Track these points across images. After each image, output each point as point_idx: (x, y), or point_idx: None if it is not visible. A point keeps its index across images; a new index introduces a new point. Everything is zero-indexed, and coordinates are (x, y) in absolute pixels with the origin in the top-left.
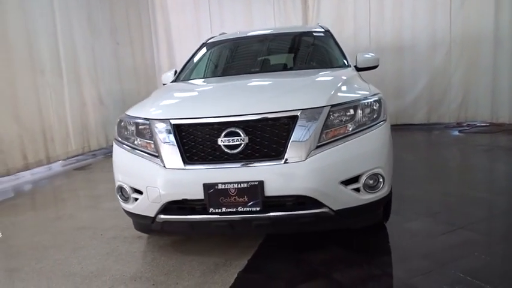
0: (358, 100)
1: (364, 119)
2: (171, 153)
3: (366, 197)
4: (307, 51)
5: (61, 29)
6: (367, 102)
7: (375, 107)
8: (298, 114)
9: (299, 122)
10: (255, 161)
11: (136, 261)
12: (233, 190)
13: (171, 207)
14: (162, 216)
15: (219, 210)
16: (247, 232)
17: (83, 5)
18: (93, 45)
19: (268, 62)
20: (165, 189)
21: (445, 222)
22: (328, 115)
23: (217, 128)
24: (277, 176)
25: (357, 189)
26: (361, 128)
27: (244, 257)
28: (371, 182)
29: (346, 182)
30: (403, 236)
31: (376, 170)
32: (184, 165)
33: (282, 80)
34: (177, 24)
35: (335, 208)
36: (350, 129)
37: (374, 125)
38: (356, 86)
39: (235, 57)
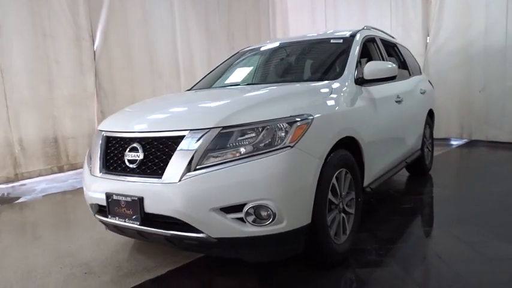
0: (260, 122)
1: (261, 144)
2: (95, 161)
3: (251, 230)
4: (309, 62)
5: (180, 36)
6: (271, 126)
7: (280, 132)
8: (186, 134)
9: (183, 143)
10: (141, 177)
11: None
12: (123, 202)
13: (101, 209)
14: (98, 216)
15: (114, 219)
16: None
17: (201, 13)
18: (209, 49)
19: (258, 74)
20: (86, 193)
21: None
22: (217, 137)
23: (125, 142)
24: (154, 195)
25: (242, 220)
26: (255, 153)
27: (170, 267)
28: (258, 213)
29: (228, 210)
30: None
31: (263, 202)
32: (100, 174)
33: (220, 96)
34: (295, 25)
35: (214, 235)
36: (241, 153)
37: (272, 151)
38: (293, 102)
39: (236, 69)
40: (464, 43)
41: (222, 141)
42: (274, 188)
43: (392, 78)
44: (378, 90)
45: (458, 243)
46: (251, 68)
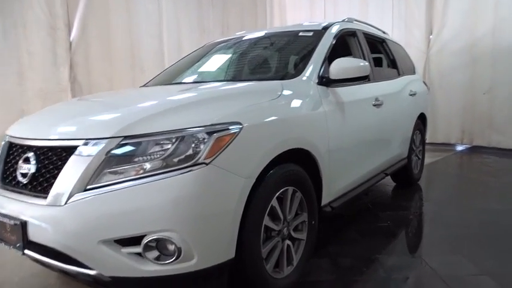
0: (171, 132)
1: (171, 160)
2: None
3: (152, 268)
4: (269, 57)
5: (167, 28)
6: (184, 137)
7: (196, 144)
8: (80, 144)
9: (74, 155)
10: (28, 196)
11: None
12: (7, 225)
13: None
14: None
15: (1, 243)
16: None
17: (193, 5)
18: (201, 44)
19: (212, 71)
20: None
21: None
22: (116, 149)
23: (22, 150)
24: (38, 219)
25: (140, 255)
26: (162, 171)
27: None
28: (162, 248)
29: (123, 242)
30: None
31: (164, 234)
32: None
33: (145, 96)
34: (293, 21)
35: (107, 273)
36: (145, 170)
37: (181, 169)
38: (221, 107)
39: (197, 63)
40: (469, 42)
41: (122, 155)
42: (179, 216)
43: (364, 78)
44: (349, 92)
45: (434, 280)
46: (209, 63)
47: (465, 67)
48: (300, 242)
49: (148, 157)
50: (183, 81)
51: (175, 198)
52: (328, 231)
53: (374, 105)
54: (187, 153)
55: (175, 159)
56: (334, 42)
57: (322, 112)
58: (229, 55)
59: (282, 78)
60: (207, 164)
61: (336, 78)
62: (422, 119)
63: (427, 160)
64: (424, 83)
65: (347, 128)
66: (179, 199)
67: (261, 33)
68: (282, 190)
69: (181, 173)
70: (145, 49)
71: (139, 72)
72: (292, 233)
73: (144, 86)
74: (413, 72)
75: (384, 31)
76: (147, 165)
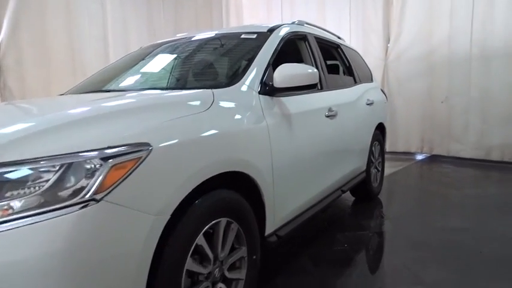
0: (49, 158)
1: (51, 195)
2: None
3: None
4: (204, 62)
5: (113, 30)
6: (68, 165)
7: (84, 175)
8: None
9: None
10: None
11: None
12: None
13: None
14: None
15: None
16: None
17: (141, 5)
18: None
19: (138, 77)
20: None
21: None
22: None
23: None
24: None
25: None
26: (38, 211)
27: None
28: None
29: None
30: None
31: None
32: None
33: (39, 109)
34: (250, 23)
35: None
36: (13, 210)
37: (64, 207)
38: (124, 125)
39: (124, 69)
40: (426, 49)
41: None
42: (58, 275)
43: (313, 86)
44: (298, 103)
45: None
46: (138, 68)
47: (423, 75)
48: (237, 283)
49: (20, 192)
50: (105, 88)
51: (53, 250)
52: (277, 259)
53: (327, 116)
54: (73, 187)
55: (57, 195)
56: (281, 46)
57: (264, 126)
58: (163, 60)
59: (216, 87)
60: (97, 201)
61: (281, 86)
62: (381, 129)
63: (387, 170)
64: (382, 91)
65: (295, 144)
66: (57, 250)
67: (201, 36)
68: (211, 223)
69: (61, 215)
70: (88, 52)
71: (81, 77)
72: (227, 274)
73: (63, 94)
74: (371, 80)
75: (340, 36)
76: (17, 204)
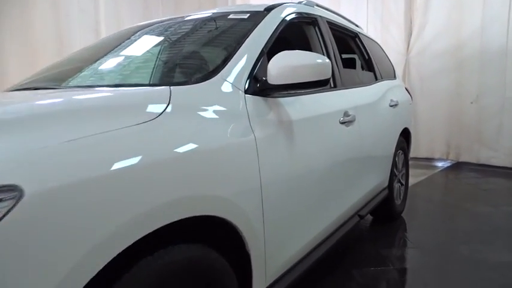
0: None
1: None
2: None
3: None
4: (174, 52)
5: (106, 21)
6: None
7: None
8: None
9: None
10: None
11: None
12: None
13: None
14: None
15: None
16: None
17: None
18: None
19: (95, 69)
20: None
21: None
22: None
23: None
24: None
25: None
26: None
27: None
28: None
29: None
30: None
31: None
32: None
33: None
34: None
35: None
36: None
37: None
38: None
39: (83, 60)
40: (455, 43)
41: None
42: None
43: (325, 83)
44: (303, 105)
45: None
46: (100, 59)
47: (450, 71)
48: None
49: None
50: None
51: None
52: None
53: (342, 122)
54: None
55: None
56: (281, 31)
57: (251, 142)
58: (123, 49)
59: (181, 83)
60: None
61: (279, 83)
62: (405, 135)
63: (409, 180)
64: (407, 89)
65: (298, 164)
66: None
67: (179, 19)
68: None
69: None
70: (78, 46)
71: None
72: None
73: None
74: (394, 77)
75: (357, 24)
76: None
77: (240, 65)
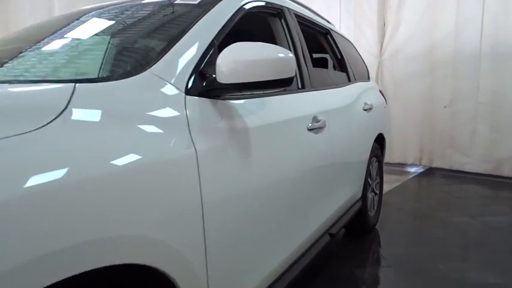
0: None
1: None
2: None
3: None
4: (96, 42)
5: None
6: None
7: None
8: None
9: None
10: None
11: None
12: None
13: None
14: None
15: None
16: None
17: None
18: None
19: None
20: None
21: None
22: None
23: None
24: None
25: None
26: None
27: None
28: None
29: None
30: None
31: None
32: None
33: None
34: None
35: None
36: None
37: None
38: None
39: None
40: (428, 45)
41: None
42: None
43: (287, 83)
44: (262, 110)
45: None
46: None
47: (424, 75)
48: None
49: None
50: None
51: None
52: None
53: (311, 129)
54: None
55: None
56: (239, 21)
57: (191, 159)
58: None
59: (93, 80)
60: None
61: (231, 81)
62: (379, 141)
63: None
64: (381, 92)
65: (253, 183)
66: None
67: (123, 3)
68: None
69: None
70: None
71: None
72: None
73: None
74: (368, 78)
75: (329, 21)
76: None
77: (181, 58)
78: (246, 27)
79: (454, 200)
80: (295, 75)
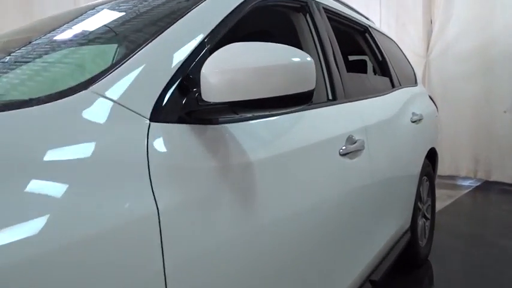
0: None
1: None
2: None
3: None
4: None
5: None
6: None
7: None
8: None
9: None
10: None
11: None
12: None
13: None
14: None
15: None
16: None
17: None
18: None
19: None
20: None
21: None
22: None
23: None
24: None
25: None
26: None
27: None
28: None
29: None
30: None
31: None
32: None
33: None
34: None
35: None
36: None
37: None
38: None
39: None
40: (483, 41)
41: None
42: None
43: (305, 100)
44: (273, 133)
45: None
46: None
47: (478, 75)
48: None
49: None
50: None
51: None
52: None
53: (344, 154)
54: None
55: None
56: (244, 16)
57: (146, 224)
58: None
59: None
60: None
61: (222, 100)
62: (431, 156)
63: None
64: (430, 98)
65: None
66: None
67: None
68: None
69: None
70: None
71: None
72: None
73: None
74: (415, 83)
75: (367, 17)
76: None
77: (145, 67)
78: (260, 26)
79: None
80: (324, 84)
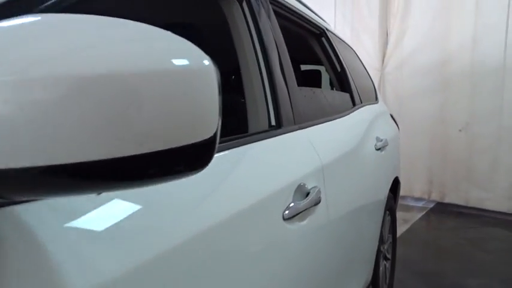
0: None
1: None
2: None
3: None
4: None
5: None
6: None
7: None
8: None
9: None
10: None
11: None
12: None
13: None
14: None
15: None
16: None
17: None
18: None
19: None
20: None
21: None
22: None
23: None
24: None
25: None
26: None
27: None
28: None
29: None
30: None
31: None
32: None
33: None
34: None
35: None
36: None
37: None
38: None
39: None
40: (440, 56)
41: None
42: None
43: (201, 158)
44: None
45: None
46: None
47: (434, 92)
48: None
49: None
50: None
51: None
52: None
53: (287, 218)
54: None
55: None
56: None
57: None
58: None
59: None
60: None
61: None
62: (394, 185)
63: None
64: (392, 116)
65: None
66: None
67: None
68: None
69: None
70: None
71: None
72: None
73: None
74: (376, 99)
75: (323, 19)
76: None
77: None
78: (178, 17)
79: (483, 256)
80: (266, 103)
